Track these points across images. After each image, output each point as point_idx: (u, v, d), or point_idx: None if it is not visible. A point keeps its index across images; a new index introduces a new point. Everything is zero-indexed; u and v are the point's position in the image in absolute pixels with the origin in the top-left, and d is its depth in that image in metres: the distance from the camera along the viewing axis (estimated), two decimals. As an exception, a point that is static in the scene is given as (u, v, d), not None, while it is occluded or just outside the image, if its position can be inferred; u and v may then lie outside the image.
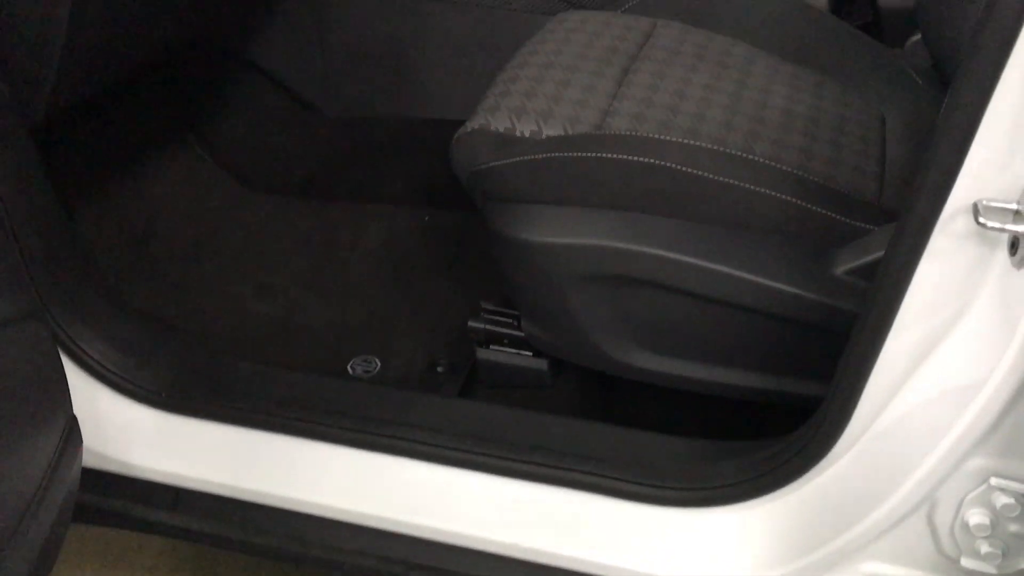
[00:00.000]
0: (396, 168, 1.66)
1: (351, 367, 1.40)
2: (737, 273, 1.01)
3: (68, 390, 0.99)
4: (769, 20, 1.35)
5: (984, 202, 0.69)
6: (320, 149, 1.69)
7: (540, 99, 1.14)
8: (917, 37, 1.37)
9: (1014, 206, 0.69)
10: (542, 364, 1.27)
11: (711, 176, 1.01)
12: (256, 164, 1.71)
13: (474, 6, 1.52)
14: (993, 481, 0.82)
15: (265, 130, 1.70)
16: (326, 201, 1.68)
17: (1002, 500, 0.83)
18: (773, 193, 1.00)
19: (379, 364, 1.41)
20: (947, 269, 0.75)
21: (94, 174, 1.55)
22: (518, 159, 1.07)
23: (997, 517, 0.84)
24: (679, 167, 1.01)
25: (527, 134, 1.11)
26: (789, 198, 1.00)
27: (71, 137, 1.47)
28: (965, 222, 0.71)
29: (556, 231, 1.04)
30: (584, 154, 1.04)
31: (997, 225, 0.68)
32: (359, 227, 1.64)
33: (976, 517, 0.85)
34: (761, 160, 1.04)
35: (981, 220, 0.69)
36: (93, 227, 1.52)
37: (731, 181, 1.00)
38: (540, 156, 1.06)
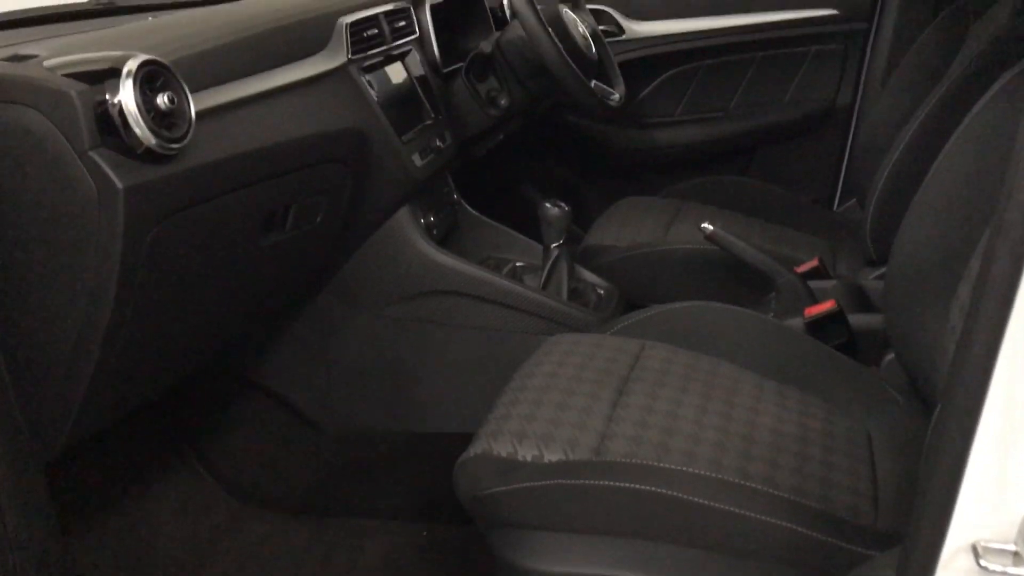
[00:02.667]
0: (396, 483, 1.68)
1: None
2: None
3: None
4: (750, 341, 1.44)
5: (983, 543, 0.71)
6: (320, 465, 1.72)
7: (540, 423, 1.19)
8: (891, 356, 1.46)
9: (1012, 547, 0.71)
10: None
11: (710, 504, 1.03)
12: (255, 481, 1.72)
13: (471, 329, 1.62)
14: None
15: (265, 447, 1.74)
16: (325, 517, 1.68)
17: None
18: (772, 520, 1.02)
19: None
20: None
21: (92, 496, 1.56)
22: (521, 485, 1.09)
23: None
24: (679, 495, 1.04)
25: (529, 459, 1.14)
26: (787, 524, 1.02)
27: (71, 460, 1.50)
28: (967, 562, 0.73)
29: (561, 560, 1.05)
30: (586, 482, 1.07)
31: (999, 568, 0.70)
32: (357, 545, 1.62)
33: None
34: (757, 486, 1.07)
35: (982, 563, 0.70)
36: (89, 552, 1.51)
37: (730, 509, 1.03)
38: (542, 483, 1.08)
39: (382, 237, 1.59)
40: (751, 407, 1.28)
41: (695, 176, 2.30)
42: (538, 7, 1.69)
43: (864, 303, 1.61)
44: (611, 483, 1.07)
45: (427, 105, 1.71)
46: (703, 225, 1.63)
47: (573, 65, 1.72)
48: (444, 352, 1.63)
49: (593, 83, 1.83)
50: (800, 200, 2.25)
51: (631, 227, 1.96)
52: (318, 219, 1.38)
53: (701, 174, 2.32)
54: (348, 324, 1.65)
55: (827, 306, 1.48)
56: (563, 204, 1.68)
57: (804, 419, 1.28)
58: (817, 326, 1.48)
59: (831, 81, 2.34)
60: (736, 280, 1.78)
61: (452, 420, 1.64)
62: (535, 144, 2.44)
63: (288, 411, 1.70)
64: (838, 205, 2.42)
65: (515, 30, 1.84)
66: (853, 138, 2.36)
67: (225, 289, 1.23)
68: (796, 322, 1.52)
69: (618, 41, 2.33)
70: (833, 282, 1.65)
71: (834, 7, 2.26)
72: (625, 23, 2.35)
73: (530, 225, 1.93)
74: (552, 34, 1.70)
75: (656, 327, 1.49)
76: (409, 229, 1.59)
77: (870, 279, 1.69)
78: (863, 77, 2.32)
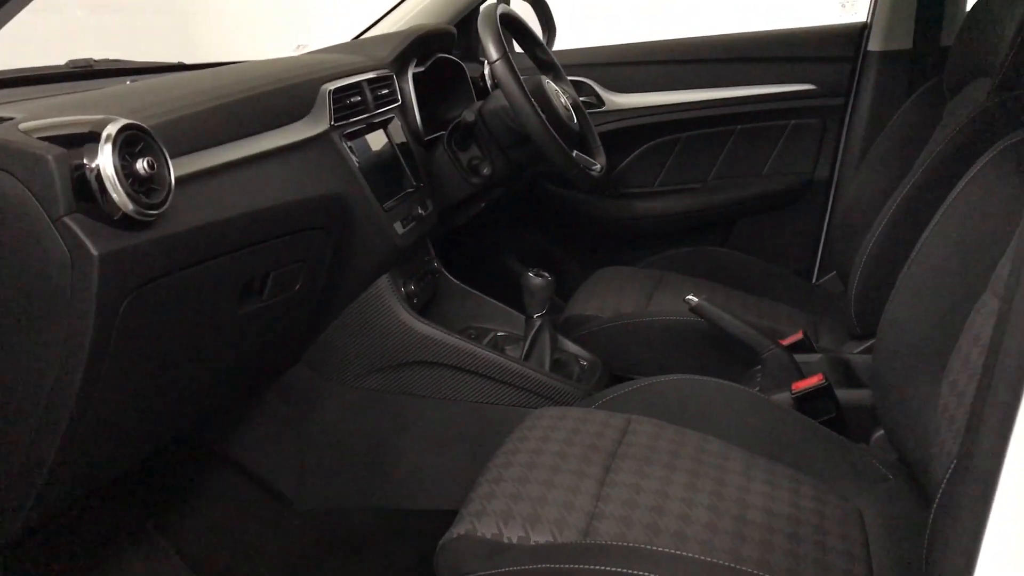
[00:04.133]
0: (371, 564, 1.61)
1: None
2: None
3: None
4: (738, 416, 1.41)
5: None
6: (291, 543, 1.65)
7: (526, 502, 1.14)
8: (881, 432, 1.43)
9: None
10: None
11: (705, 591, 0.99)
12: (223, 558, 1.64)
13: (452, 401, 1.58)
14: None
15: (233, 523, 1.67)
16: None
17: None
18: None
19: None
20: None
21: (51, 573, 1.48)
22: (507, 569, 1.04)
23: None
24: (672, 581, 1.00)
25: (515, 540, 1.09)
26: None
27: (27, 538, 1.42)
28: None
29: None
30: (575, 566, 1.03)
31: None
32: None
33: None
34: (750, 570, 1.03)
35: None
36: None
37: None
38: (530, 567, 1.04)
39: (361, 306, 1.55)
40: (741, 485, 1.25)
41: (675, 247, 2.30)
42: (521, 77, 1.69)
43: (851, 377, 1.60)
44: (601, 567, 1.02)
45: (409, 173, 1.69)
46: (688, 297, 1.62)
47: (556, 135, 1.72)
48: (423, 425, 1.59)
49: (575, 153, 1.83)
50: (780, 272, 2.25)
51: (613, 297, 1.94)
52: (297, 287, 1.34)
53: (681, 245, 2.31)
54: (323, 396, 1.60)
55: (815, 381, 1.46)
56: (546, 274, 1.65)
57: (795, 498, 1.25)
58: (805, 401, 1.46)
59: (809, 155, 2.36)
60: (720, 352, 1.76)
61: (432, 497, 1.58)
62: (514, 213, 2.43)
63: (258, 486, 1.64)
64: (817, 278, 2.42)
65: (498, 100, 1.84)
66: (831, 212, 2.38)
67: (201, 359, 1.19)
68: (783, 396, 1.50)
69: (598, 112, 2.35)
70: (818, 356, 1.64)
71: (812, 82, 2.30)
72: (605, 95, 2.37)
73: (510, 294, 1.91)
74: (535, 104, 1.70)
75: (642, 401, 1.46)
76: (389, 298, 1.56)
77: (855, 353, 1.68)
78: (840, 152, 2.34)
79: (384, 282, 1.56)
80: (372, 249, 1.51)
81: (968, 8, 2.15)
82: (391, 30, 2.11)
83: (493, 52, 1.68)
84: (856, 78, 2.28)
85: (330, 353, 1.57)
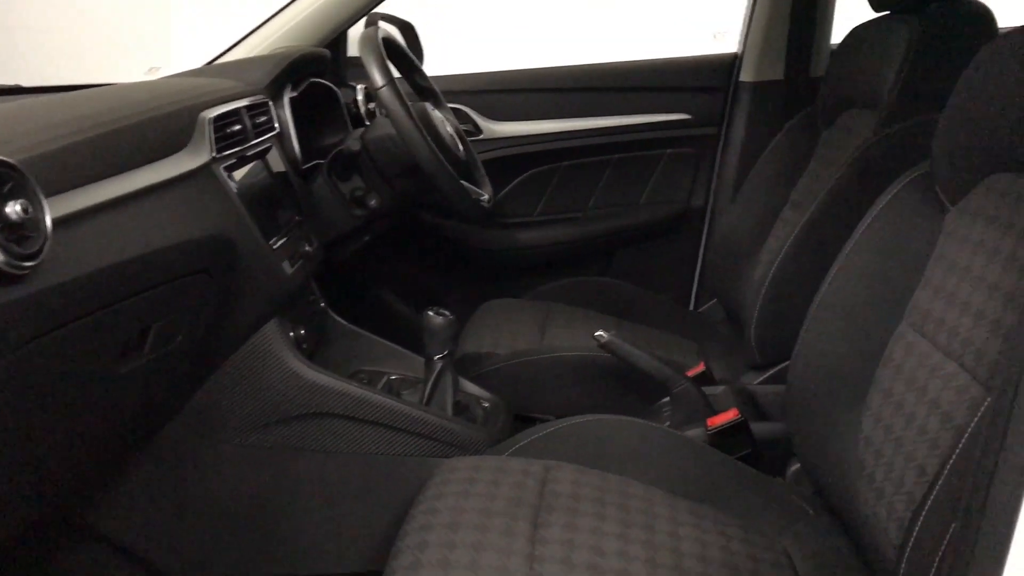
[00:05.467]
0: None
1: None
2: None
3: None
4: (655, 456, 1.37)
5: None
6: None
7: (458, 571, 1.05)
8: (797, 466, 1.42)
9: None
10: None
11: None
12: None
13: (349, 455, 1.46)
14: None
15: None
16: None
17: None
18: None
19: None
20: None
21: None
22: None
23: None
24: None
25: (451, 615, 0.99)
26: None
27: None
28: None
29: None
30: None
31: None
32: None
33: None
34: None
35: None
36: None
37: None
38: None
39: (246, 355, 1.41)
40: (671, 531, 1.20)
41: (558, 277, 2.26)
42: (409, 104, 1.60)
43: (758, 409, 1.59)
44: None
45: (292, 207, 1.56)
46: (597, 333, 1.57)
47: (447, 165, 1.63)
48: (318, 484, 1.45)
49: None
50: (662, 301, 2.24)
51: (506, 332, 1.87)
52: (178, 339, 1.19)
53: (564, 275, 2.27)
54: (201, 456, 1.44)
55: (730, 416, 1.44)
56: (447, 312, 1.56)
57: (726, 541, 1.21)
58: (721, 437, 1.43)
59: (685, 184, 2.38)
60: (624, 388, 1.71)
61: (329, 560, 1.45)
62: (389, 245, 2.32)
63: (131, 560, 1.45)
64: (697, 305, 2.44)
65: (382, 128, 1.74)
66: (708, 240, 2.40)
67: (75, 427, 1.02)
68: (697, 432, 1.47)
69: (476, 140, 2.28)
70: (722, 387, 1.62)
71: (687, 112, 2.32)
72: (483, 123, 2.30)
73: (390, 332, 1.80)
74: (425, 132, 1.61)
75: (556, 445, 1.39)
76: (277, 344, 1.42)
77: (756, 384, 1.67)
78: (715, 181, 2.37)
79: (271, 328, 1.42)
80: (259, 292, 1.37)
81: (833, 41, 2.23)
82: (253, 53, 1.96)
83: (379, 78, 1.58)
84: (729, 108, 2.32)
85: (209, 408, 1.41)
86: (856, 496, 1.21)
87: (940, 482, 0.94)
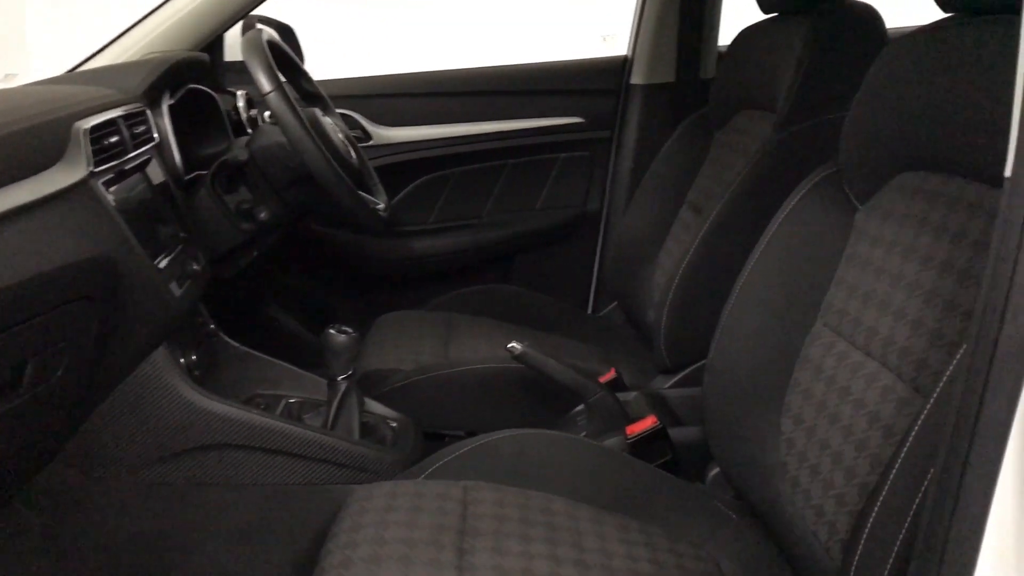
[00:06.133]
0: None
1: None
2: None
3: None
4: (576, 469, 1.33)
5: None
6: None
7: (385, 609, 0.98)
8: (716, 471, 1.41)
9: None
10: None
11: None
12: None
13: (252, 487, 1.36)
14: None
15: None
16: None
17: None
18: None
19: None
20: None
21: None
22: None
23: None
24: None
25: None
26: None
27: None
28: None
29: None
30: None
31: None
32: None
33: None
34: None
35: None
36: None
37: None
38: None
39: (134, 386, 1.29)
40: (600, 548, 1.16)
41: (456, 286, 2.20)
42: (300, 111, 1.52)
43: (671, 414, 1.57)
44: None
45: (176, 223, 1.45)
46: (511, 345, 1.52)
47: (343, 173, 1.56)
48: (220, 518, 1.35)
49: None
50: (563, 307, 2.22)
51: (408, 347, 1.80)
52: (59, 373, 1.08)
53: (461, 284, 2.22)
54: (88, 497, 1.31)
55: (649, 424, 1.41)
56: (349, 329, 1.48)
57: (654, 554, 1.18)
58: (640, 445, 1.41)
59: (580, 187, 2.36)
60: (535, 398, 1.67)
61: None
62: (278, 260, 2.21)
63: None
64: (596, 309, 2.42)
65: (270, 135, 1.65)
66: (604, 243, 2.39)
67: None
68: (615, 442, 1.44)
69: (366, 147, 2.20)
70: (635, 393, 1.60)
71: (580, 115, 2.30)
72: (371, 128, 2.23)
73: (285, 352, 1.71)
74: (318, 140, 1.53)
75: (473, 464, 1.34)
76: (168, 373, 1.31)
77: (667, 388, 1.66)
78: (609, 184, 2.37)
79: (161, 355, 1.31)
80: (147, 317, 1.26)
81: (720, 43, 2.26)
82: (121, 59, 1.83)
83: (266, 83, 1.49)
84: (621, 111, 2.31)
85: (96, 445, 1.29)
86: (780, 499, 1.20)
87: (887, 484, 0.93)
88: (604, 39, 3.97)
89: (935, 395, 0.89)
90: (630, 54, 2.30)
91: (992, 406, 0.61)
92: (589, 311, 2.44)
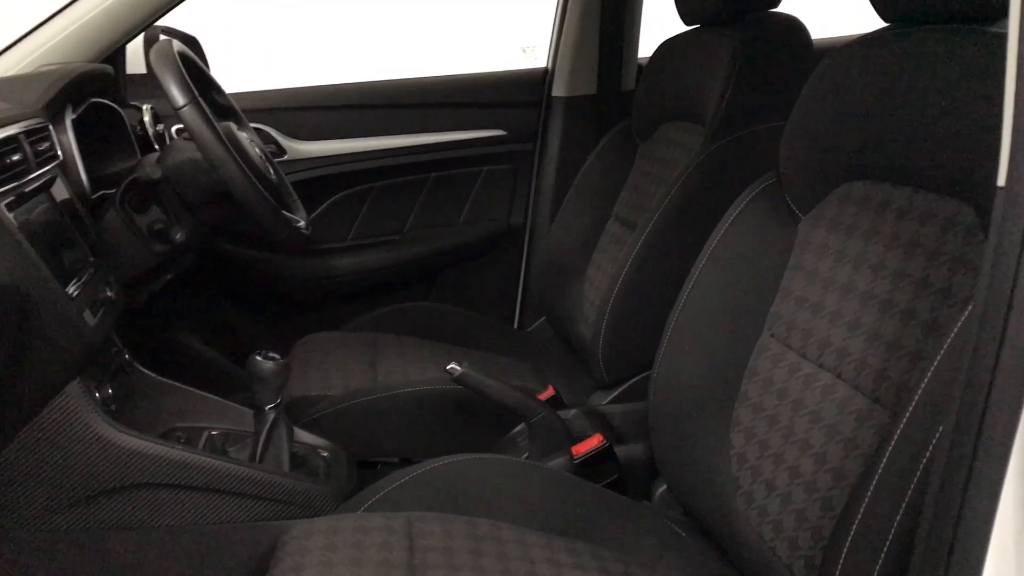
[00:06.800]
0: None
1: None
2: None
3: None
4: (522, 494, 1.28)
5: None
6: None
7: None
8: (664, 488, 1.39)
9: None
10: None
11: None
12: None
13: (175, 529, 1.27)
14: None
15: None
16: None
17: None
18: None
19: None
20: None
21: None
22: None
23: None
24: None
25: None
26: None
27: None
28: None
29: None
30: None
31: None
32: None
33: None
34: None
35: None
36: None
37: None
38: None
39: (45, 424, 1.19)
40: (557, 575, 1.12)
41: (379, 304, 2.13)
42: (216, 125, 1.44)
43: (613, 431, 1.54)
44: None
45: (83, 246, 1.35)
46: (449, 367, 1.46)
47: (263, 190, 1.48)
48: (140, 565, 1.25)
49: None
50: (490, 323, 2.17)
51: (335, 370, 1.72)
52: (-39, 414, 0.97)
53: (385, 302, 2.15)
54: (-7, 547, 1.20)
55: (595, 443, 1.38)
56: (276, 355, 1.40)
57: (612, 581, 1.14)
58: (587, 465, 1.37)
59: (504, 201, 2.32)
60: (471, 420, 1.62)
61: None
62: (189, 283, 2.09)
63: None
64: (523, 324, 2.38)
65: (183, 151, 1.56)
66: (529, 257, 2.36)
67: None
68: (561, 462, 1.40)
69: (280, 162, 2.11)
70: (573, 411, 1.56)
71: (502, 128, 2.26)
72: (285, 142, 2.14)
73: (202, 380, 1.62)
74: (236, 156, 1.45)
75: (415, 493, 1.27)
76: (82, 408, 1.21)
77: (606, 404, 1.63)
78: (532, 197, 2.34)
79: (75, 389, 1.20)
80: (59, 349, 1.15)
81: (639, 56, 2.26)
82: (13, 72, 1.70)
83: (179, 97, 1.40)
84: (543, 123, 2.29)
85: (2, 490, 1.18)
86: (733, 515, 1.18)
87: (865, 500, 0.91)
88: (524, 51, 3.95)
89: (910, 410, 0.87)
90: (550, 66, 2.28)
91: (996, 417, 0.59)
92: (516, 327, 2.40)
